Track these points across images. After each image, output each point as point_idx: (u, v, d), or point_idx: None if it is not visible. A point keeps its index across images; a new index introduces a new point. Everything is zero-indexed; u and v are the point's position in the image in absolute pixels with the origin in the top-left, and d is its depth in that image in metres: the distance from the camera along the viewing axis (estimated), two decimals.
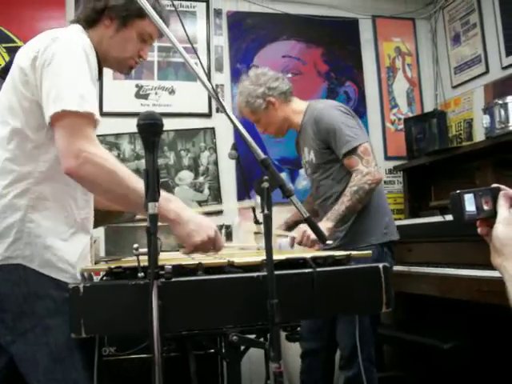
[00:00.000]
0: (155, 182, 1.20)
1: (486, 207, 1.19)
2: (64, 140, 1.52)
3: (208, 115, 4.21)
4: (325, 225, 2.57)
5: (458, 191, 1.18)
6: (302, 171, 4.17)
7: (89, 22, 1.81)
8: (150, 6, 1.60)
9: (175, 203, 1.62)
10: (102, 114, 3.81)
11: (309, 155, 2.93)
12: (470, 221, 1.19)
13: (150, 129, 1.23)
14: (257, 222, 3.09)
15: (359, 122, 2.88)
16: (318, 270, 1.48)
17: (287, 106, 2.96)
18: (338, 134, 2.72)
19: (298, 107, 2.99)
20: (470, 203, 1.18)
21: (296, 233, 2.63)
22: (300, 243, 2.63)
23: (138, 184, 1.47)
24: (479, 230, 1.21)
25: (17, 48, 3.79)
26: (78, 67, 1.59)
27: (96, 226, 2.01)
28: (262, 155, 1.37)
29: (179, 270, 1.39)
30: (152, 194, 1.18)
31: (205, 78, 1.60)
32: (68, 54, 1.58)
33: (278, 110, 2.93)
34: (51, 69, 1.55)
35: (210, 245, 1.64)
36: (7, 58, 3.86)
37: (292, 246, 2.71)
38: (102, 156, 1.55)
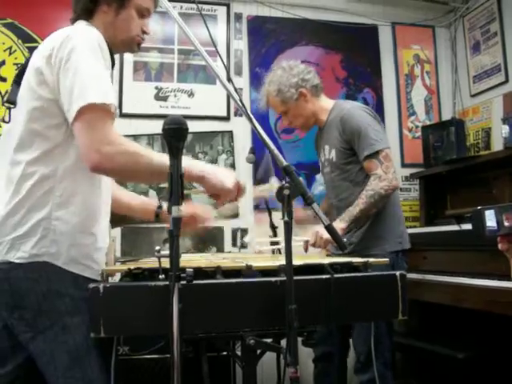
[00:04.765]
0: (179, 186, 1.21)
1: (506, 223, 1.19)
2: (84, 136, 1.55)
3: (226, 118, 4.23)
4: (338, 225, 2.58)
5: (479, 207, 1.19)
6: (318, 176, 4.17)
7: (87, 12, 1.81)
8: None
9: (198, 163, 1.78)
10: (121, 115, 3.89)
11: (329, 153, 2.93)
12: (491, 236, 1.20)
13: (175, 133, 1.25)
14: (273, 226, 3.10)
15: (383, 127, 2.88)
16: (336, 276, 1.49)
17: (317, 100, 2.97)
18: (362, 135, 2.72)
19: (325, 104, 3.00)
20: (490, 219, 1.19)
21: (309, 235, 2.64)
22: (314, 245, 2.65)
23: (163, 157, 1.55)
24: (500, 245, 1.22)
25: None
26: (95, 61, 1.60)
27: (113, 226, 2.04)
28: (284, 162, 1.38)
29: (198, 272, 1.40)
30: (176, 197, 1.20)
31: (226, 81, 1.62)
32: (84, 50, 1.59)
33: (308, 103, 2.94)
34: (69, 66, 1.56)
35: (238, 189, 1.80)
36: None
37: (306, 250, 2.72)
38: (121, 143, 1.58)
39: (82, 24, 1.79)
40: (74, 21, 1.85)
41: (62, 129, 1.62)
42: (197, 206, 2.05)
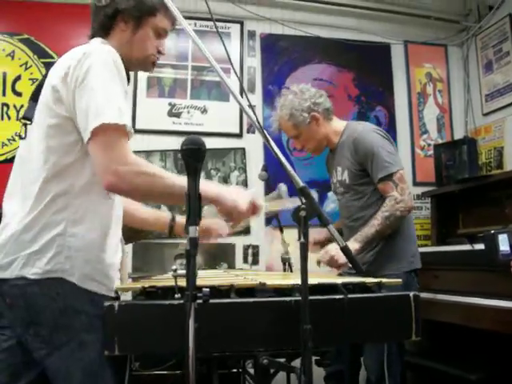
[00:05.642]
0: (197, 206, 1.22)
1: None
2: (100, 156, 1.56)
3: (239, 135, 4.26)
4: (352, 245, 2.57)
5: (492, 231, 1.19)
6: (330, 194, 4.17)
7: (105, 29, 1.84)
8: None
9: (213, 184, 1.79)
10: (135, 131, 3.90)
11: (342, 175, 2.94)
12: (504, 261, 1.20)
13: (193, 154, 1.26)
14: (284, 243, 3.11)
15: (395, 148, 2.89)
16: (350, 296, 1.49)
17: (329, 123, 2.98)
18: (376, 157, 2.73)
19: (337, 126, 3.00)
20: (503, 243, 1.19)
21: (324, 252, 2.64)
22: (328, 264, 2.65)
23: (179, 179, 1.59)
24: None
25: (54, 63, 3.95)
26: (111, 81, 1.61)
27: (126, 242, 2.05)
28: (301, 183, 1.39)
29: (212, 291, 1.41)
30: (193, 218, 1.21)
31: (239, 96, 1.63)
32: (100, 69, 1.60)
33: (320, 126, 2.94)
34: (86, 85, 1.57)
35: (252, 208, 1.82)
36: (44, 73, 3.94)
37: (319, 264, 2.72)
38: (137, 164, 1.60)
39: (97, 41, 1.81)
40: (91, 37, 1.87)
41: (77, 146, 1.63)
42: (212, 219, 2.05)
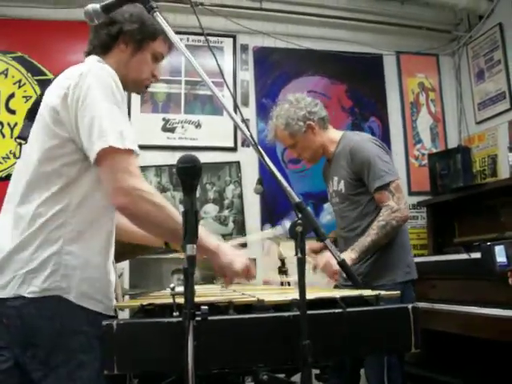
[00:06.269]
0: (194, 223, 1.22)
1: None
2: (113, 177, 1.56)
3: (233, 149, 4.27)
4: (349, 255, 2.58)
5: (489, 243, 1.20)
6: (326, 206, 4.19)
7: (104, 48, 1.84)
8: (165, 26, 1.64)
9: (212, 237, 1.75)
10: None
11: (338, 185, 2.94)
12: (502, 272, 1.20)
13: (188, 172, 1.26)
14: (281, 255, 3.10)
15: (392, 158, 2.90)
16: (349, 310, 1.49)
17: (324, 132, 2.98)
18: (372, 167, 2.73)
19: (333, 136, 3.00)
20: (500, 255, 1.20)
21: (320, 260, 2.65)
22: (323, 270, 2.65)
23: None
24: (510, 280, 1.22)
25: (48, 81, 3.96)
26: (111, 101, 1.61)
27: (125, 258, 2.04)
28: (297, 198, 1.39)
29: (211, 307, 1.40)
30: (190, 236, 1.21)
31: (232, 110, 1.63)
32: (100, 89, 1.60)
33: (316, 135, 2.94)
34: (87, 105, 1.57)
35: (246, 272, 1.79)
36: (38, 91, 3.95)
37: (314, 269, 2.73)
38: (151, 192, 1.61)
39: (93, 60, 1.81)
40: (87, 53, 1.88)
41: (76, 166, 1.63)
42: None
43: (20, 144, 1.77)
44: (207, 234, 1.72)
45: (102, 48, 1.85)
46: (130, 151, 1.59)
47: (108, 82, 1.63)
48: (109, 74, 1.66)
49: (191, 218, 1.22)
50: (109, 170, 1.57)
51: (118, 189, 1.56)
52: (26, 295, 1.56)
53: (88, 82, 1.60)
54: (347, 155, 2.84)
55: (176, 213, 1.62)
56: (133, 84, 1.90)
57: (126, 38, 1.83)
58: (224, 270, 1.77)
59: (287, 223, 2.54)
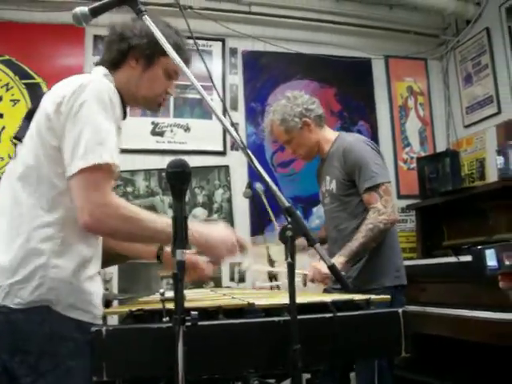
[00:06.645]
0: (183, 229, 1.21)
1: (507, 262, 1.20)
2: (80, 195, 1.54)
3: (222, 153, 4.26)
4: (337, 260, 2.58)
5: (479, 247, 1.20)
6: (315, 209, 4.19)
7: (114, 63, 1.83)
8: (172, 43, 1.63)
9: (194, 224, 1.69)
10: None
11: (330, 184, 2.94)
12: (492, 275, 1.21)
13: (178, 177, 1.25)
14: (270, 260, 3.10)
15: (384, 162, 2.91)
16: (339, 314, 1.48)
17: (320, 130, 2.99)
18: (364, 168, 2.74)
19: (328, 135, 3.02)
20: (491, 258, 1.20)
21: (308, 270, 2.65)
22: (312, 281, 2.65)
23: (160, 220, 1.62)
24: (501, 283, 1.22)
25: (36, 84, 3.95)
26: (104, 118, 1.60)
27: (112, 264, 2.03)
28: (287, 203, 1.38)
29: (201, 312, 1.39)
30: (180, 241, 1.20)
31: (221, 114, 1.62)
32: (94, 104, 1.59)
33: (312, 133, 2.95)
34: (78, 119, 1.56)
35: (236, 249, 1.82)
36: (26, 94, 3.93)
37: (305, 284, 2.72)
38: (117, 206, 1.58)
39: (99, 72, 1.81)
40: (97, 64, 1.88)
41: (65, 177, 1.61)
42: (199, 257, 2.04)
43: (15, 144, 1.75)
44: (195, 224, 1.70)
45: (112, 64, 1.84)
46: (109, 167, 1.57)
47: (104, 99, 1.62)
48: (106, 90, 1.65)
49: (180, 224, 1.21)
50: (78, 188, 1.55)
51: (82, 208, 1.54)
52: (13, 306, 1.55)
53: (84, 95, 1.59)
54: (340, 155, 2.85)
55: (149, 218, 1.63)
56: (144, 101, 1.90)
57: (135, 53, 1.82)
58: (211, 256, 1.82)
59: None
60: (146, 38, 1.80)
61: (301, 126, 2.91)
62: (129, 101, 1.85)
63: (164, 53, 1.80)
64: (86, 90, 1.60)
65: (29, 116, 1.74)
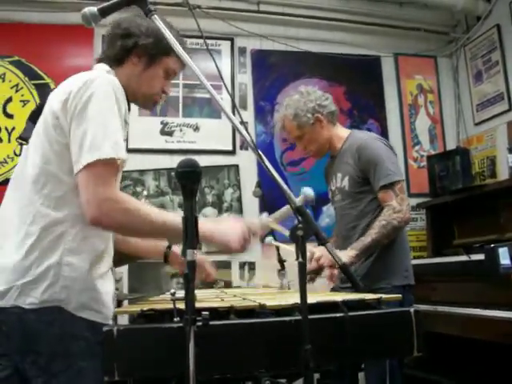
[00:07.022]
0: (194, 228, 1.21)
1: None
2: (86, 190, 1.54)
3: (232, 152, 4.26)
4: (348, 253, 2.56)
5: (492, 245, 1.19)
6: (325, 208, 4.17)
7: (117, 60, 1.84)
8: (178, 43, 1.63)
9: (206, 222, 1.79)
10: (128, 151, 3.93)
11: (342, 181, 2.92)
12: (505, 274, 1.19)
13: (188, 176, 1.25)
14: (280, 260, 3.08)
15: (397, 159, 2.89)
16: (350, 314, 1.47)
17: (332, 127, 2.96)
18: (379, 165, 2.72)
19: (341, 132, 3.00)
20: (504, 256, 1.19)
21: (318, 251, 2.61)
22: (318, 260, 2.62)
23: (166, 215, 1.64)
24: None
25: (45, 85, 3.96)
26: (110, 113, 1.60)
27: (123, 263, 2.03)
28: (298, 202, 1.38)
29: (212, 313, 1.39)
30: (190, 240, 1.19)
31: (231, 113, 1.61)
32: (101, 99, 1.60)
33: (323, 129, 2.93)
34: (85, 115, 1.57)
35: (248, 240, 1.82)
36: (36, 95, 3.94)
37: (313, 280, 2.70)
38: (122, 200, 1.59)
39: (102, 69, 1.82)
40: (98, 61, 1.88)
41: (73, 174, 1.61)
42: (203, 257, 2.05)
43: (21, 144, 1.76)
44: (203, 221, 1.70)
45: (114, 60, 1.85)
46: (115, 162, 1.58)
47: (110, 94, 1.62)
48: (112, 86, 1.65)
49: (191, 224, 1.21)
50: (85, 182, 1.56)
51: (88, 203, 1.54)
52: (25, 306, 1.55)
53: (90, 91, 1.60)
54: (354, 152, 2.82)
55: (155, 212, 1.64)
56: (142, 98, 1.90)
57: (139, 51, 1.83)
58: (223, 250, 1.80)
59: (308, 190, 2.51)
60: (153, 37, 1.81)
61: (313, 122, 2.89)
62: (128, 97, 1.85)
63: (167, 53, 1.83)
64: (92, 86, 1.61)
65: (33, 117, 1.75)
